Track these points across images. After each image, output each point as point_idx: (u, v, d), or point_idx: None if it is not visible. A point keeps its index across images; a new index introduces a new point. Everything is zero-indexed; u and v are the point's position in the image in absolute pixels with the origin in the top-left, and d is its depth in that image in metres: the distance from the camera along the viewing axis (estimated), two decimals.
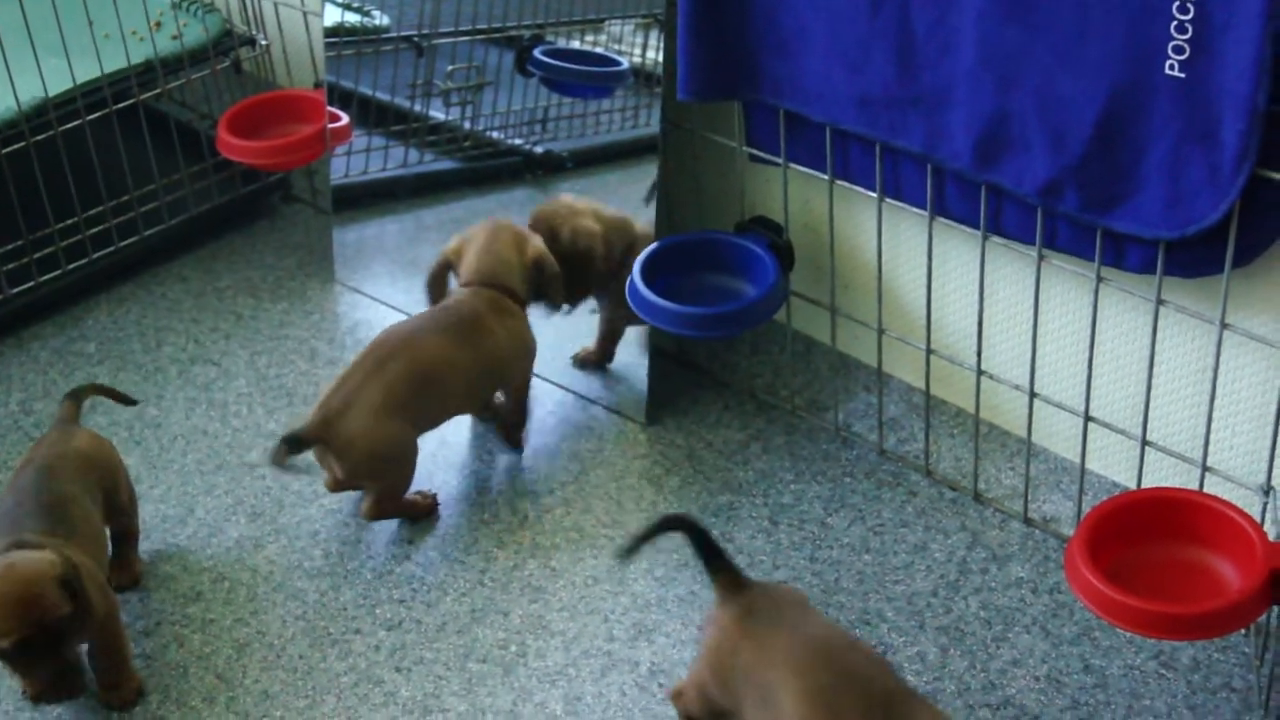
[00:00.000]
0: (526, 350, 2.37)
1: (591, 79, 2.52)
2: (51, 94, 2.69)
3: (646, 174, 2.43)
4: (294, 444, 2.19)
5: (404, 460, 2.27)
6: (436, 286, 2.40)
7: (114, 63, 2.77)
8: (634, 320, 2.36)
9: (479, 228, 2.39)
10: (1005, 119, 1.97)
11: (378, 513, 2.28)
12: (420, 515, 2.31)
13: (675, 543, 2.25)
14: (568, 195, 2.49)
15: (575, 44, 2.54)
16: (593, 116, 2.56)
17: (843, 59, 2.10)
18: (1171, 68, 1.80)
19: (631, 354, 2.52)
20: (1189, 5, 1.75)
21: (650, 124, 2.44)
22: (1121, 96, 1.85)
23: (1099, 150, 1.90)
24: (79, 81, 2.72)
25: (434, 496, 2.33)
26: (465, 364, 2.29)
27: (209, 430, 2.50)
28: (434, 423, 2.32)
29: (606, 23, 2.49)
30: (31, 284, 2.73)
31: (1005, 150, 2.00)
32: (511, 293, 2.35)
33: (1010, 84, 1.94)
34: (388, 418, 2.21)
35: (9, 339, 2.73)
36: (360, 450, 2.20)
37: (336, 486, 2.25)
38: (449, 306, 2.33)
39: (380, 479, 2.25)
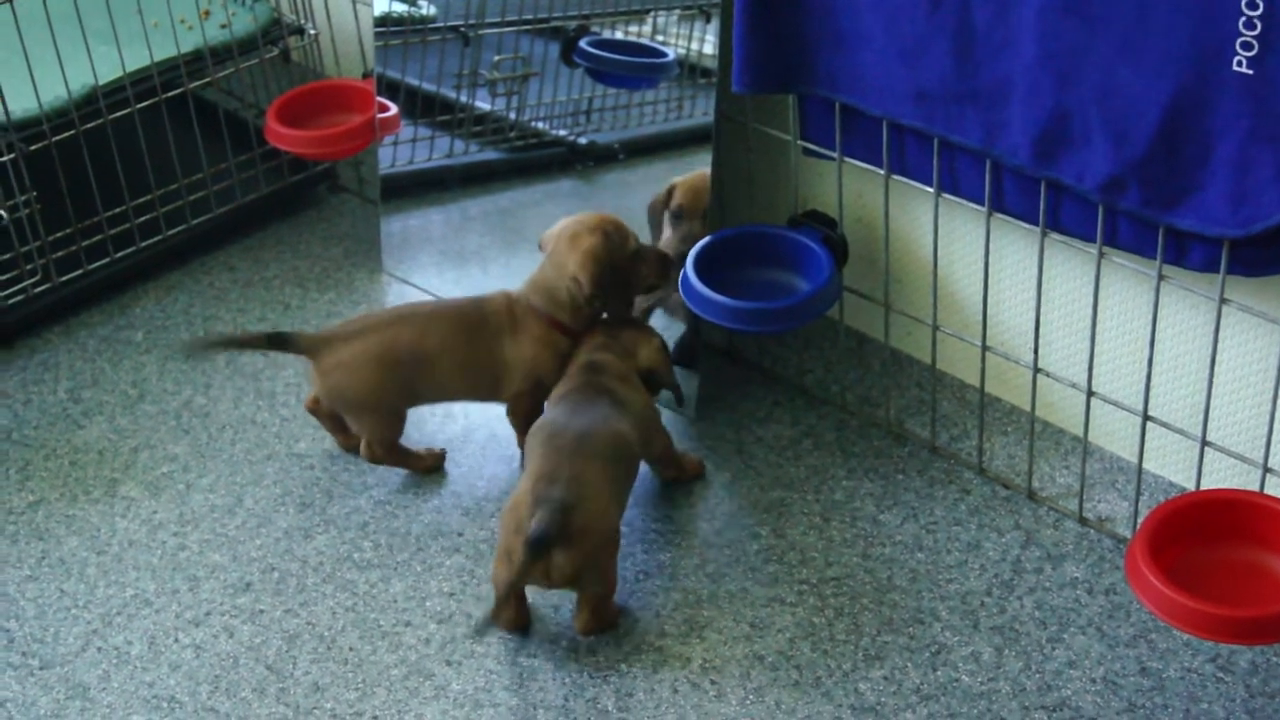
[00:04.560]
0: (525, 370, 2.31)
1: (637, 70, 2.51)
2: (101, 82, 2.69)
3: (692, 165, 2.41)
4: (279, 340, 2.27)
5: (377, 411, 2.30)
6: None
7: (163, 51, 2.76)
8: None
9: (559, 226, 2.34)
10: (1066, 114, 1.95)
11: (370, 455, 2.34)
12: (423, 469, 2.37)
13: (728, 539, 2.24)
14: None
15: (620, 35, 2.53)
16: (637, 108, 2.54)
17: (901, 52, 2.08)
18: (1239, 64, 1.77)
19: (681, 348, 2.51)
20: (1258, 1, 1.73)
21: (695, 115, 2.43)
22: (1187, 93, 1.83)
23: (1163, 147, 1.88)
24: (128, 70, 2.72)
25: (441, 454, 2.39)
26: (464, 357, 2.30)
27: (257, 420, 2.50)
28: (431, 400, 2.39)
29: (651, 13, 2.48)
30: (80, 272, 2.73)
31: (1065, 146, 1.97)
32: (546, 315, 2.31)
33: (1071, 79, 1.92)
34: (374, 368, 2.27)
35: (57, 327, 2.74)
36: (335, 379, 2.28)
37: (314, 405, 2.37)
38: (482, 302, 2.34)
39: (354, 419, 2.32)
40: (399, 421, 2.33)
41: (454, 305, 2.35)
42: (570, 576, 2.01)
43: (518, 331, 2.31)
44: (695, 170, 2.41)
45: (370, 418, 2.31)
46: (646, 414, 2.24)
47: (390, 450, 2.34)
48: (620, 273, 2.29)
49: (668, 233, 2.40)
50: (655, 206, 2.43)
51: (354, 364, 2.26)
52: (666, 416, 2.37)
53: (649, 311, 2.50)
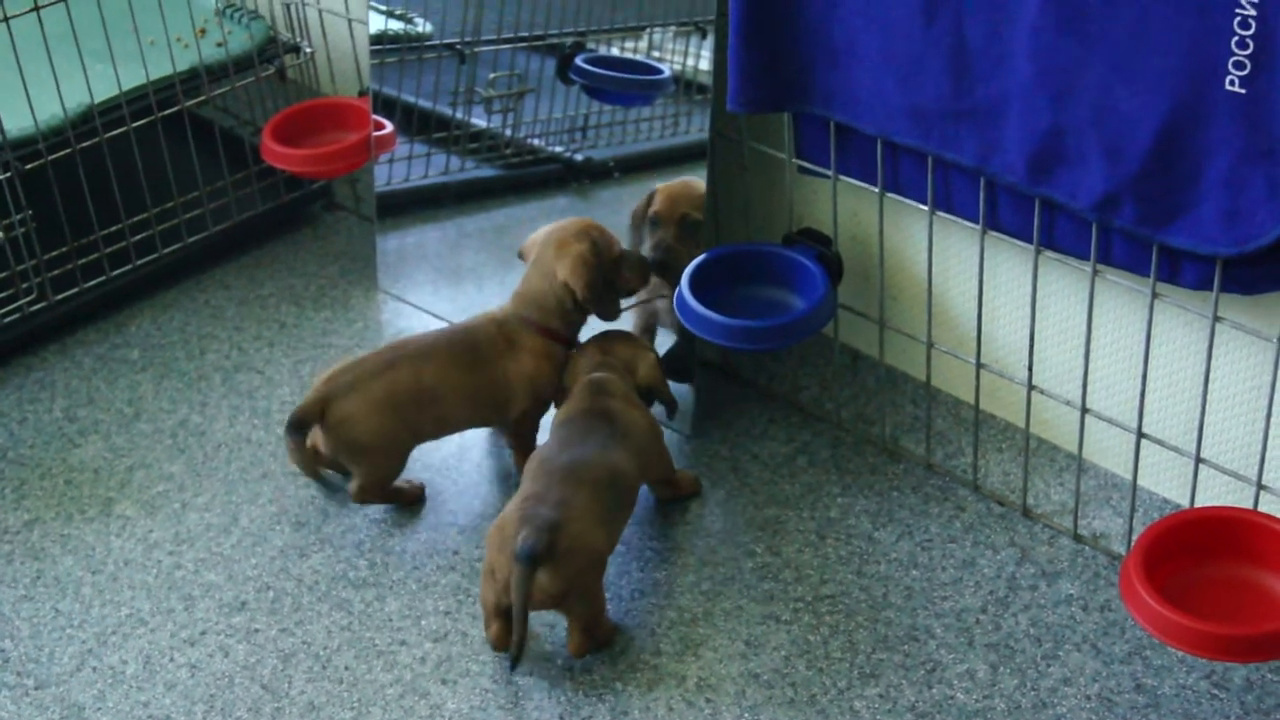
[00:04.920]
0: (529, 387, 2.32)
1: (633, 87, 2.51)
2: (97, 101, 2.69)
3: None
4: (299, 426, 2.25)
5: (389, 455, 2.30)
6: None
7: (159, 70, 2.77)
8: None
9: (542, 234, 2.35)
10: (1060, 132, 1.96)
11: (363, 498, 2.32)
12: (408, 502, 2.36)
13: (723, 556, 2.24)
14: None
15: (616, 51, 2.53)
16: (633, 124, 2.55)
17: (895, 71, 2.08)
18: (1232, 83, 1.78)
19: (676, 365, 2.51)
20: (1250, 21, 1.74)
21: (690, 131, 2.43)
22: (1180, 111, 1.84)
23: (1157, 165, 1.88)
24: (125, 88, 2.72)
25: (421, 486, 2.37)
26: (465, 388, 2.29)
27: (253, 438, 2.50)
28: (434, 435, 2.35)
29: (647, 30, 2.48)
30: (75, 290, 2.73)
31: (1060, 164, 1.98)
32: (539, 326, 2.32)
33: (1066, 97, 1.93)
34: (382, 414, 2.25)
35: (53, 345, 2.74)
36: (348, 433, 2.25)
37: (317, 459, 2.33)
38: (471, 329, 2.34)
39: (361, 465, 2.29)
40: (402, 464, 2.32)
41: (444, 337, 2.33)
42: (555, 597, 2.01)
43: (515, 350, 2.31)
44: (681, 178, 2.42)
45: (378, 462, 2.30)
46: (649, 438, 2.23)
47: (382, 492, 2.33)
48: (607, 277, 2.31)
49: (645, 239, 2.42)
50: (637, 213, 2.45)
51: (360, 415, 2.24)
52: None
53: (653, 331, 2.50)
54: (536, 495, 2.04)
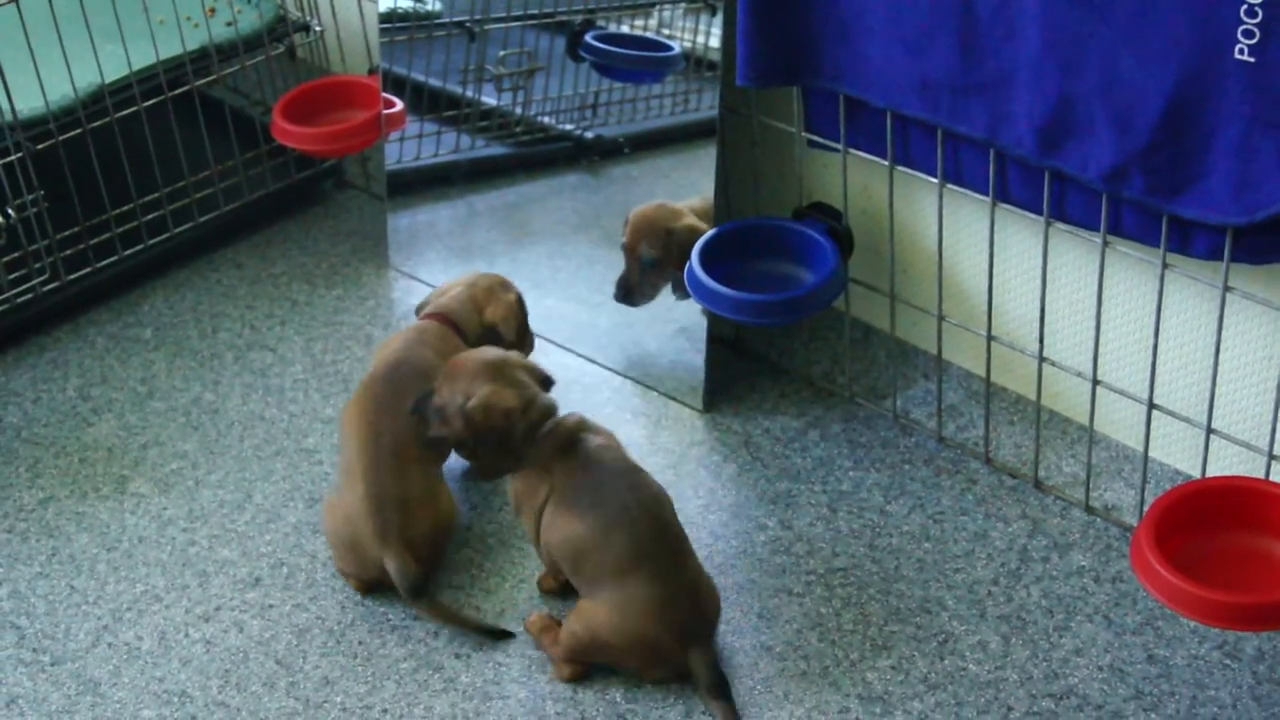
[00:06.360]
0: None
1: (643, 64, 2.51)
2: (108, 80, 2.69)
3: (698, 159, 2.42)
4: (418, 591, 2.11)
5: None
6: None
7: (169, 49, 2.77)
8: None
9: (458, 281, 2.41)
10: (1070, 104, 1.95)
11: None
12: None
13: (735, 530, 2.24)
14: (665, 201, 2.48)
15: (626, 28, 2.53)
16: (644, 101, 2.55)
17: (904, 44, 2.08)
18: (1241, 52, 1.78)
19: (689, 340, 2.52)
20: None
21: (701, 109, 2.43)
22: (1190, 81, 1.83)
23: (1166, 135, 1.88)
24: (135, 68, 2.73)
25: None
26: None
27: (266, 416, 2.51)
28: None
29: (657, 7, 2.48)
30: (88, 270, 2.74)
31: (1069, 136, 1.98)
32: (459, 329, 2.32)
33: (1075, 69, 1.93)
34: (438, 500, 2.19)
35: (66, 325, 2.75)
36: (436, 545, 2.18)
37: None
38: (408, 361, 2.24)
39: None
40: None
41: (396, 385, 2.21)
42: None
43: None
44: (656, 201, 2.47)
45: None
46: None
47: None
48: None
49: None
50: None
51: (445, 519, 2.20)
52: (674, 409, 2.38)
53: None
54: (678, 591, 2.00)
